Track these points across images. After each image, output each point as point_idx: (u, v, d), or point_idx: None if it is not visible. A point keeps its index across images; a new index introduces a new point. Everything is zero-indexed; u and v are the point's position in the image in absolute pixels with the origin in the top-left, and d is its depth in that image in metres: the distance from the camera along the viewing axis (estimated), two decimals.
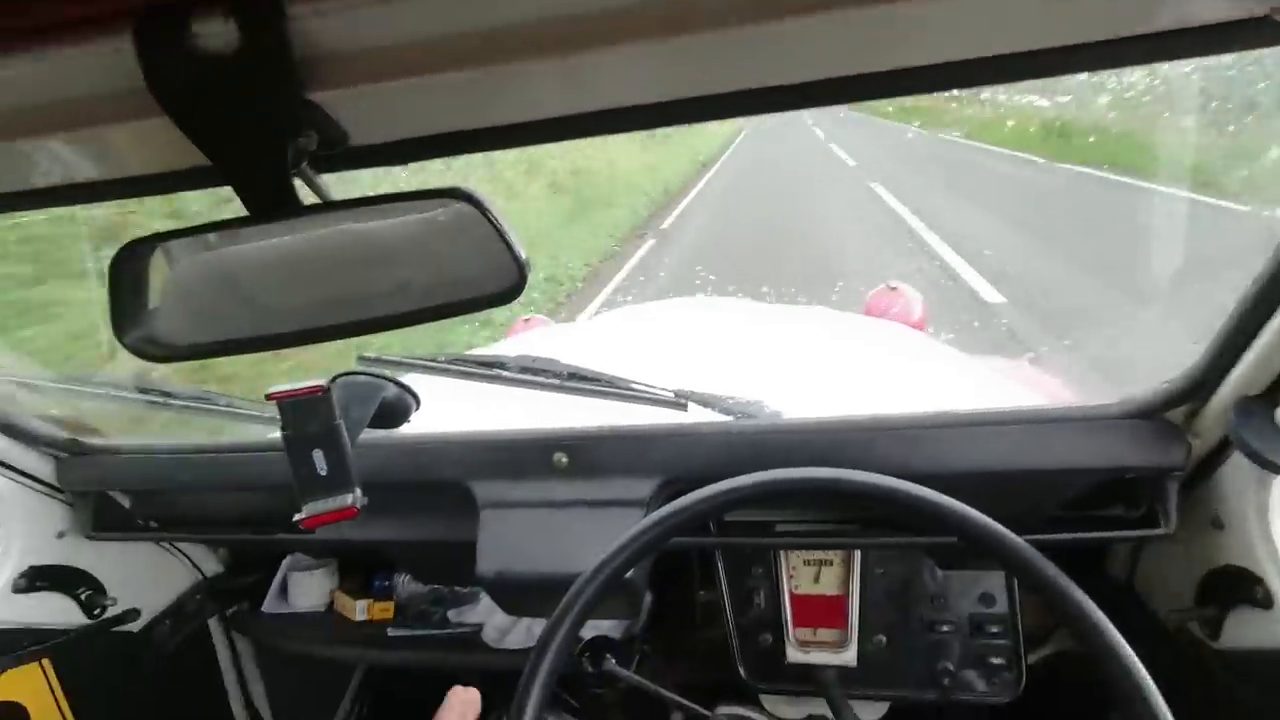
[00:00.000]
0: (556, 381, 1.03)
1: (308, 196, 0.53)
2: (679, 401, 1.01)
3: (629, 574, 0.84)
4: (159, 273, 0.55)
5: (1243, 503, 0.83)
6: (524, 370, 1.04)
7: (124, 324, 0.53)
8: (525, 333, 2.26)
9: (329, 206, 0.52)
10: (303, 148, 0.50)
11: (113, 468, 1.17)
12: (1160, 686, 0.86)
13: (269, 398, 0.72)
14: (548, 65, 0.46)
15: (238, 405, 1.10)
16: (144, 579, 1.29)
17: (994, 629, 1.03)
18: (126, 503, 1.23)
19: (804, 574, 1.07)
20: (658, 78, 0.51)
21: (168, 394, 1.07)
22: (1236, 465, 0.83)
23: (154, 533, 1.26)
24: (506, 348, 2.00)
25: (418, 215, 0.56)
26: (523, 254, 0.53)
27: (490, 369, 1.04)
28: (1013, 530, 0.71)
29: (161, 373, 1.18)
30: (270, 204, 0.49)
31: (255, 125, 0.46)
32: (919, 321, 2.43)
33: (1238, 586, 0.85)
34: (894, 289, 2.57)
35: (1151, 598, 1.05)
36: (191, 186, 0.58)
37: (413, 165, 0.70)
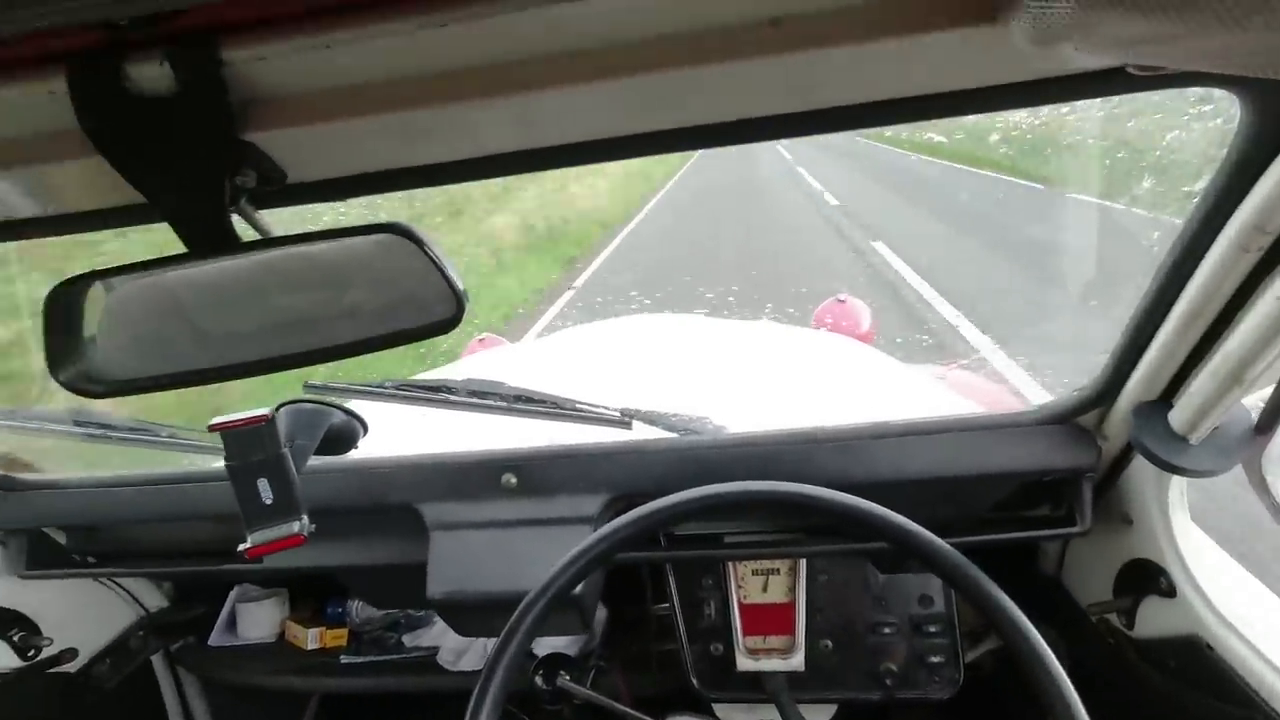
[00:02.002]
0: (503, 404, 1.04)
1: (247, 232, 0.54)
2: (624, 420, 1.03)
3: (577, 590, 0.86)
4: (97, 309, 0.55)
5: (1147, 499, 0.90)
6: (471, 394, 1.05)
7: (59, 361, 0.53)
8: (480, 353, 2.26)
9: (268, 243, 0.53)
10: (241, 186, 0.51)
11: (47, 504, 1.13)
12: (1085, 676, 0.91)
13: (212, 428, 0.72)
14: (479, 106, 0.49)
15: (180, 436, 1.09)
16: (82, 617, 1.25)
17: (933, 629, 1.08)
18: (62, 539, 1.19)
19: (752, 584, 1.11)
20: (589, 117, 0.54)
21: (106, 426, 1.05)
22: (1140, 465, 0.90)
23: (92, 569, 1.22)
24: (461, 367, 2.00)
25: (358, 249, 0.57)
26: (460, 285, 0.55)
27: (437, 393, 1.05)
28: (946, 533, 0.75)
29: (101, 404, 1.15)
30: (208, 241, 0.50)
31: (191, 165, 0.47)
32: (867, 333, 2.50)
33: (1147, 578, 0.92)
34: (842, 301, 2.65)
35: (1077, 591, 1.11)
36: (129, 223, 0.59)
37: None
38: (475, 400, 1.04)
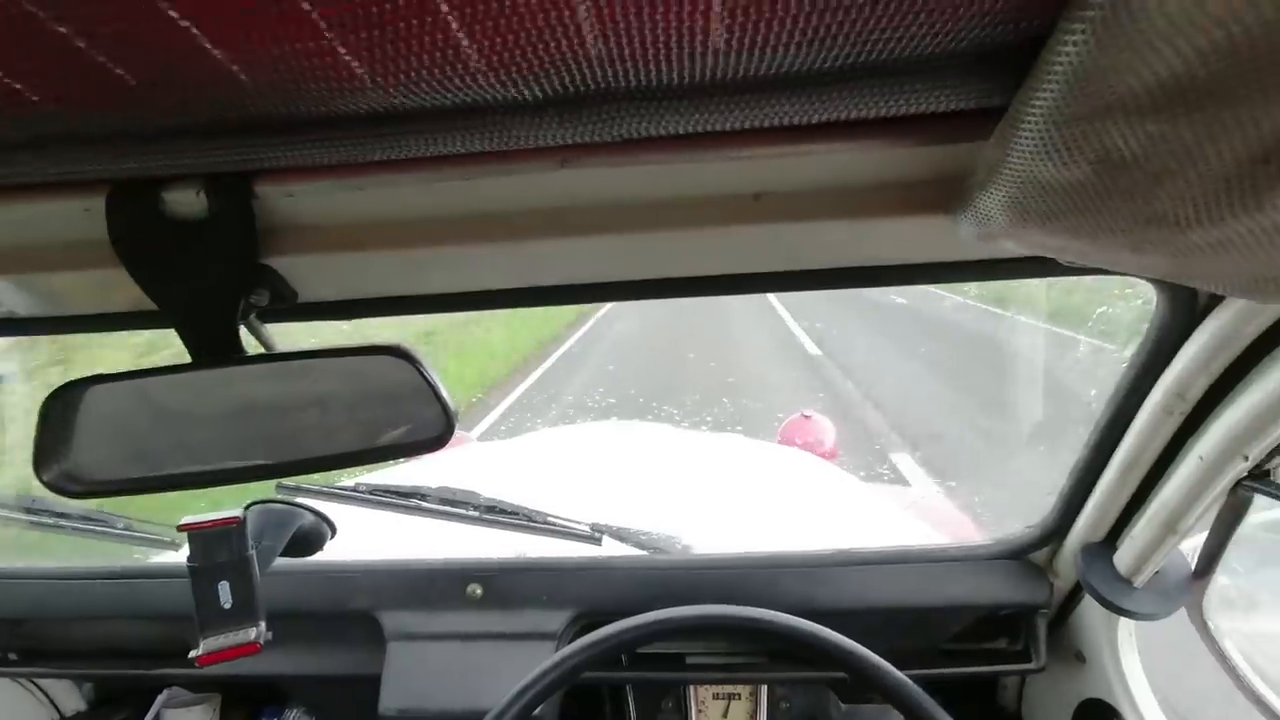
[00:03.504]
0: (475, 514, 1.04)
1: (251, 344, 0.57)
2: (594, 535, 1.04)
3: (537, 711, 0.83)
4: (90, 413, 0.56)
5: (1098, 639, 0.92)
6: (443, 501, 1.05)
7: (45, 461, 0.53)
8: (447, 450, 2.24)
9: (272, 357, 0.55)
10: (253, 304, 0.54)
11: None
12: None
13: (181, 528, 0.71)
14: (479, 248, 0.53)
15: (136, 528, 1.05)
16: None
17: None
18: None
19: (713, 708, 1.08)
20: (580, 265, 0.59)
21: (60, 515, 1.01)
22: (1090, 604, 0.93)
23: (12, 666, 1.14)
24: (427, 463, 1.97)
25: (355, 367, 0.60)
26: (453, 406, 0.57)
27: (409, 499, 1.05)
28: (905, 665, 0.76)
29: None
30: (214, 351, 0.53)
31: (211, 283, 0.50)
32: (830, 450, 2.55)
33: (1102, 719, 0.92)
34: (808, 417, 2.71)
35: None
36: (133, 328, 0.61)
37: None
38: (447, 509, 1.04)
